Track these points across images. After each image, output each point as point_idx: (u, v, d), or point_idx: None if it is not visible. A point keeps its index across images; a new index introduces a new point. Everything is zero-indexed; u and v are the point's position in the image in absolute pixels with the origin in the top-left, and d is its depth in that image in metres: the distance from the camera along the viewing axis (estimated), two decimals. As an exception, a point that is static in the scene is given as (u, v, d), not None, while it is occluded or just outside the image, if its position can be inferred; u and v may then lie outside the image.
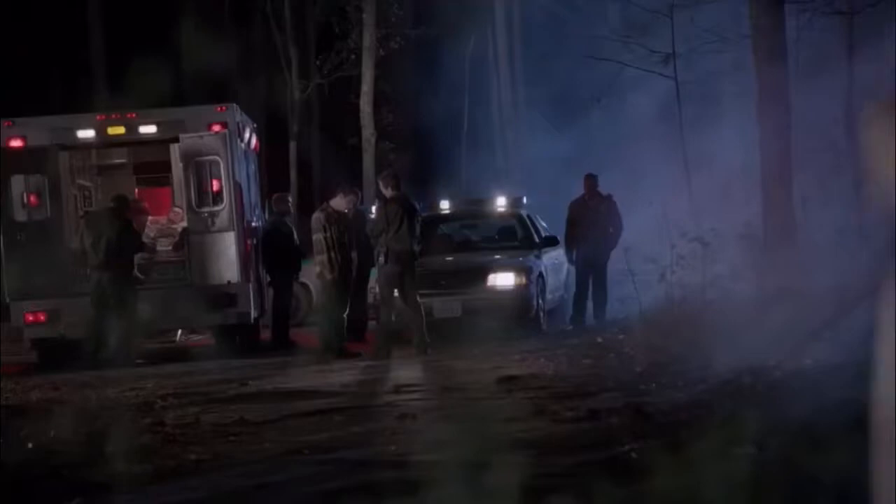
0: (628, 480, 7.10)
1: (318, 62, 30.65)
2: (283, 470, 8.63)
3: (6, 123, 17.46)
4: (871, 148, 0.94)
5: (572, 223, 18.74)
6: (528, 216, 19.86)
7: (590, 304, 18.78)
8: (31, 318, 17.26)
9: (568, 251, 19.00)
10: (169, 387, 13.61)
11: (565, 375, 13.01)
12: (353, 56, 28.65)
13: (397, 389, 12.59)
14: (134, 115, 17.74)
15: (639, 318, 15.47)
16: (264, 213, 20.24)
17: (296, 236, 18.48)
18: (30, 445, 9.56)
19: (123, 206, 17.27)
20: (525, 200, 20.60)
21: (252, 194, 19.09)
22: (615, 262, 18.03)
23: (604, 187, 19.02)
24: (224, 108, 17.87)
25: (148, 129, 17.57)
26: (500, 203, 20.31)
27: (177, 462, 8.93)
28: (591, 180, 18.95)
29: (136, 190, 19.47)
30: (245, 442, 9.90)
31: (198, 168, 17.50)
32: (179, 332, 19.54)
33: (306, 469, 8.65)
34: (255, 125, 20.04)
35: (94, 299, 16.69)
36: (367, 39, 26.16)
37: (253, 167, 19.45)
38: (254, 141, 19.60)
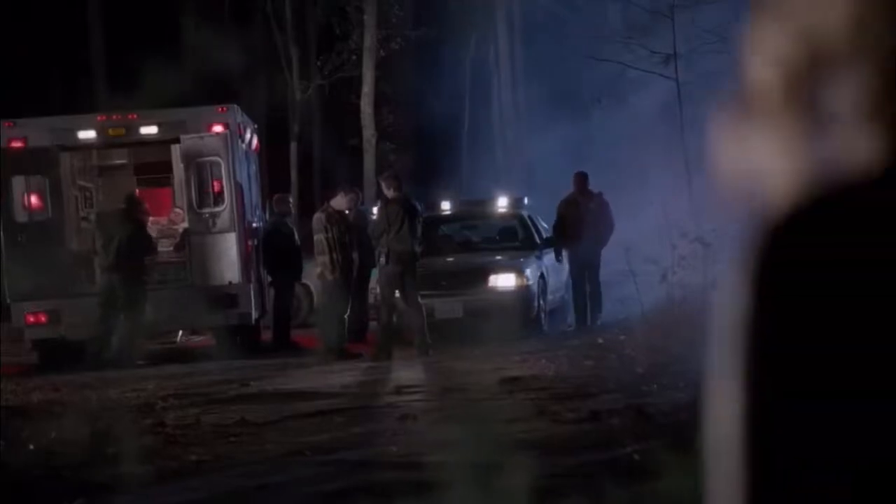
0: (630, 481, 7.09)
1: (318, 63, 30.63)
2: (284, 471, 8.63)
3: (7, 124, 17.44)
4: (721, 144, 0.95)
5: (562, 222, 18.63)
6: (529, 217, 19.85)
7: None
8: (31, 318, 17.24)
9: (557, 250, 18.89)
10: (170, 388, 13.59)
11: (566, 376, 12.99)
12: (353, 57, 28.64)
13: (398, 390, 12.59)
14: (135, 115, 17.73)
15: (640, 319, 15.46)
16: (265, 213, 20.23)
17: (297, 237, 18.47)
18: (31, 446, 9.55)
19: (134, 207, 17.26)
20: (526, 201, 20.58)
21: (253, 195, 19.08)
22: (616, 263, 17.99)
23: (605, 187, 18.99)
24: (225, 108, 17.86)
25: (149, 130, 17.56)
26: (501, 204, 20.30)
27: (178, 463, 8.93)
28: (580, 178, 18.82)
29: (137, 191, 19.45)
30: (246, 443, 9.89)
31: (199, 169, 17.48)
32: (180, 332, 19.52)
33: (307, 470, 8.65)
34: (255, 126, 20.03)
35: (103, 300, 16.67)
36: (368, 40, 26.16)
37: (254, 168, 19.43)
38: (254, 142, 19.60)
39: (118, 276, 16.69)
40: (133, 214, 17.11)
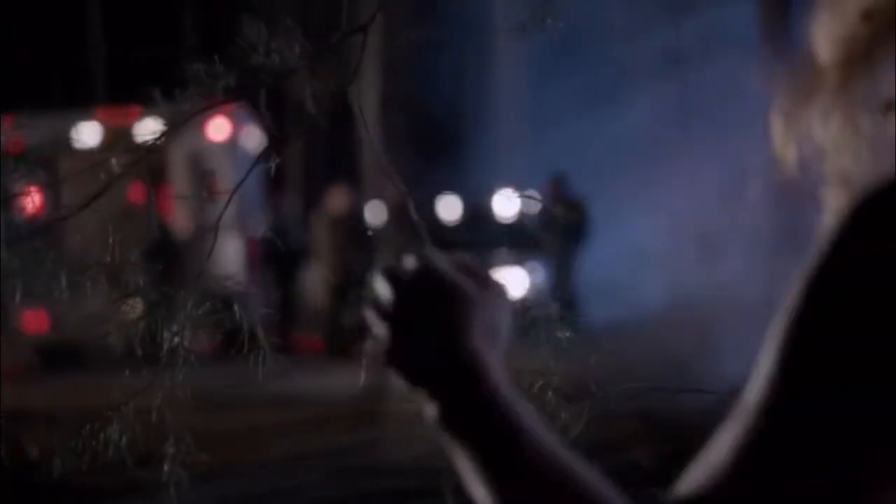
0: (636, 488, 7.01)
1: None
2: (291, 476, 8.56)
3: (4, 121, 17.35)
4: (778, 133, 0.98)
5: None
6: (533, 217, 19.81)
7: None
8: (32, 321, 17.19)
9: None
10: (163, 390, 13.50)
11: (570, 380, 12.92)
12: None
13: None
14: (135, 113, 17.67)
15: (646, 322, 15.40)
16: (266, 214, 20.19)
17: (298, 238, 18.43)
18: (32, 451, 9.47)
19: (153, 202, 17.23)
20: (534, 195, 20.48)
21: (254, 196, 19.02)
22: (620, 266, 17.91)
23: (611, 191, 18.87)
24: (227, 107, 17.79)
25: (149, 128, 17.47)
26: (504, 205, 20.27)
27: (183, 468, 8.84)
28: (552, 184, 18.49)
29: (139, 187, 19.40)
30: (251, 448, 9.82)
31: (199, 168, 17.44)
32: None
33: (314, 475, 8.58)
34: (258, 125, 19.97)
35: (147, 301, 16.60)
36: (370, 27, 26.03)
37: (255, 168, 19.36)
38: (256, 142, 19.54)
39: (145, 277, 16.62)
40: (154, 210, 17.11)
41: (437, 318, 1.32)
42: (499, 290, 1.37)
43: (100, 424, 3.67)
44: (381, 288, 1.32)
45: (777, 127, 1.07)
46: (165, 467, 3.48)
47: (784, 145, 1.07)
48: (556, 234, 18.00)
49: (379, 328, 1.33)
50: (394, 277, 1.35)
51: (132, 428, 3.69)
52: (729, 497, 1.05)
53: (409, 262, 1.37)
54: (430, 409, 1.32)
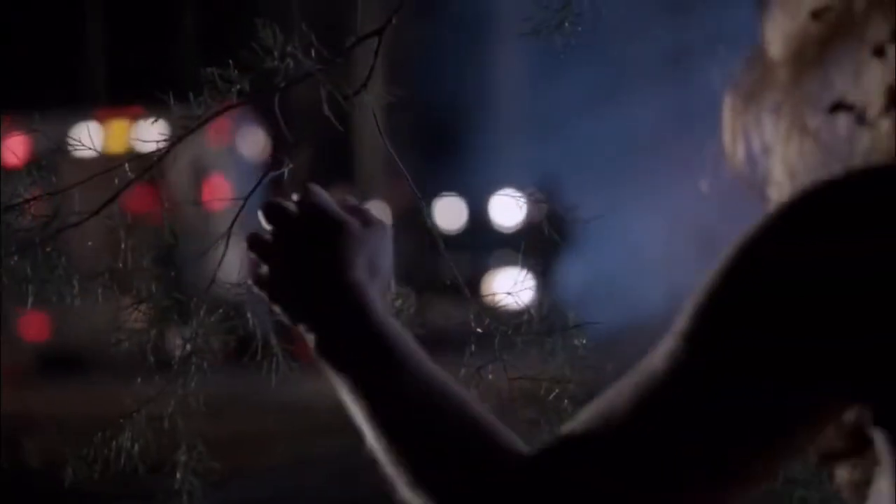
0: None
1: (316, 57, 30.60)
2: (294, 480, 8.57)
3: (4, 122, 17.34)
4: (728, 128, 1.03)
5: None
6: (534, 221, 19.80)
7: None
8: (32, 326, 17.17)
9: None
10: (174, 398, 13.48)
11: (575, 380, 12.92)
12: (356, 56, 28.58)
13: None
14: (134, 115, 17.66)
15: (646, 324, 15.38)
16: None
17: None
18: (32, 457, 9.44)
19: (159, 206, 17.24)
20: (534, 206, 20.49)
21: (255, 197, 19.01)
22: (621, 268, 17.91)
23: (611, 192, 18.86)
24: (228, 109, 17.78)
25: (149, 130, 17.46)
26: (506, 208, 20.27)
27: (195, 476, 8.83)
28: (544, 187, 18.48)
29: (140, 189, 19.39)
30: (255, 452, 9.81)
31: (200, 170, 17.43)
32: (183, 340, 19.44)
33: (317, 479, 8.58)
34: (259, 126, 19.96)
35: (160, 306, 16.60)
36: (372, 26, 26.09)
37: (256, 170, 19.37)
38: (257, 143, 19.53)
39: (157, 284, 16.59)
40: (167, 216, 17.12)
41: (319, 252, 1.36)
42: (380, 227, 1.41)
43: (111, 432, 3.66)
44: (264, 224, 1.40)
45: (728, 121, 1.09)
46: (178, 475, 3.47)
47: (734, 140, 1.09)
48: (540, 239, 17.87)
49: (263, 264, 1.39)
50: (277, 214, 1.44)
51: (144, 435, 3.68)
52: (612, 441, 1.08)
53: (293, 198, 1.44)
54: (312, 341, 1.36)
